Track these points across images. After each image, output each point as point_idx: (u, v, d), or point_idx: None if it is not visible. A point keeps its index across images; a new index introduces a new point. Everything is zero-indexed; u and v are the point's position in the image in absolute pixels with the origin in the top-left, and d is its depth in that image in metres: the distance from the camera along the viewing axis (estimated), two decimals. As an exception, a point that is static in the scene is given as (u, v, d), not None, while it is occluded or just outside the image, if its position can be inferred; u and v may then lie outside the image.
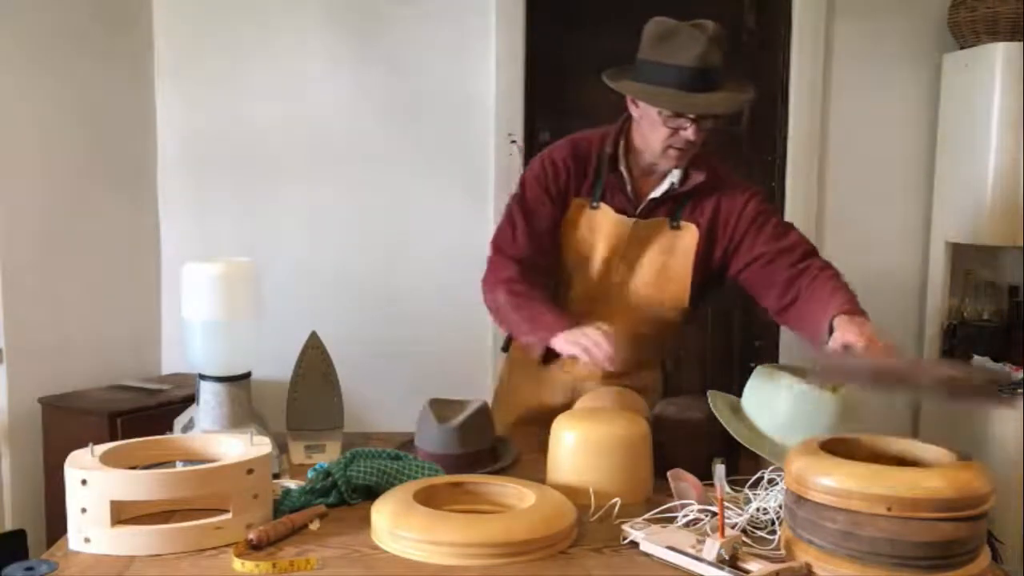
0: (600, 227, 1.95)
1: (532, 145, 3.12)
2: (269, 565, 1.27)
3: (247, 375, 1.71)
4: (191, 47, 3.13)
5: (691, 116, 1.79)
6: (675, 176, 1.92)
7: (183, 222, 3.18)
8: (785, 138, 3.20)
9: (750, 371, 1.77)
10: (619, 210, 1.95)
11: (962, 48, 3.06)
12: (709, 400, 1.72)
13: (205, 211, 3.17)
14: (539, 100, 3.14)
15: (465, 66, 3.08)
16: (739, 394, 1.77)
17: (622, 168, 1.94)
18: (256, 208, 3.16)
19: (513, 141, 3.07)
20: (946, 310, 3.17)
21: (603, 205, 1.95)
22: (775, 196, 3.24)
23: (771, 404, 1.68)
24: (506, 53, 3.04)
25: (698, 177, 1.91)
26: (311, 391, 1.84)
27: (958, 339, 3.10)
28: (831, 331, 1.70)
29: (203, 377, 1.69)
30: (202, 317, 1.67)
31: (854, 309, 1.75)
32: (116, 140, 3.01)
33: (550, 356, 1.91)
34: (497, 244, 1.99)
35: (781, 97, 3.20)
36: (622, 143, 1.94)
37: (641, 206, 1.95)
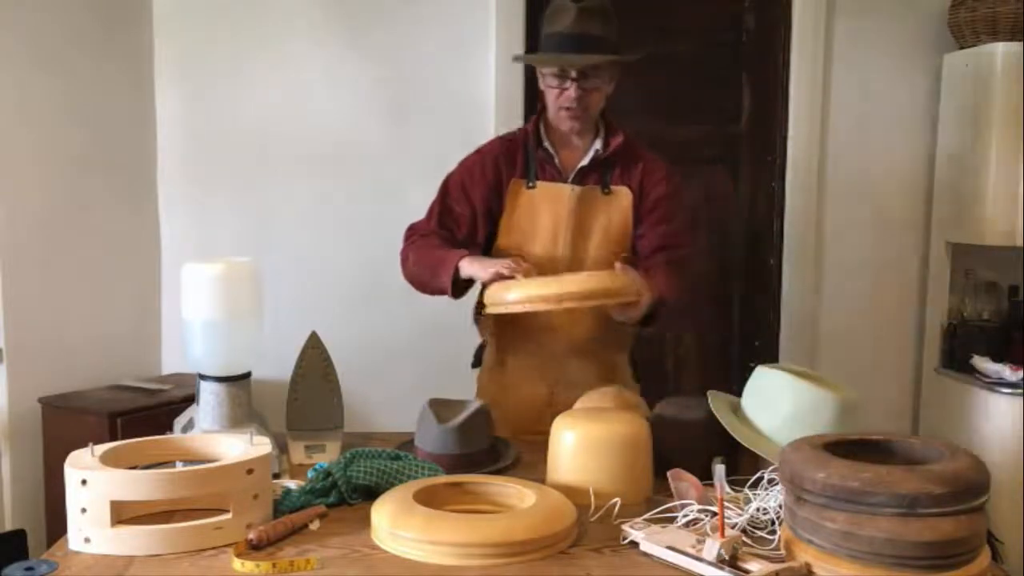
0: (540, 202, 2.07)
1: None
2: (269, 565, 1.27)
3: (247, 375, 1.71)
4: (191, 47, 3.13)
5: (572, 76, 1.97)
6: (598, 144, 2.07)
7: (183, 222, 3.18)
8: (785, 138, 3.20)
9: (750, 371, 1.77)
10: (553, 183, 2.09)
11: (962, 48, 3.06)
12: (709, 400, 1.72)
13: (205, 211, 3.17)
14: (539, 100, 3.14)
15: (465, 66, 3.08)
16: (739, 394, 1.77)
17: (546, 144, 2.08)
18: (256, 208, 3.16)
19: (513, 141, 3.08)
20: (946, 310, 3.17)
21: (539, 183, 2.08)
22: (775, 196, 3.24)
23: (771, 404, 1.68)
24: (506, 52, 3.04)
25: (617, 139, 2.06)
26: (311, 391, 1.83)
27: (958, 339, 3.10)
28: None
29: (203, 377, 1.69)
30: (202, 317, 1.67)
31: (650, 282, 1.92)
32: (116, 140, 3.02)
33: (461, 289, 2.01)
34: (412, 225, 2.15)
35: (781, 97, 3.20)
36: (542, 123, 2.10)
37: (571, 176, 2.07)
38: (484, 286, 1.95)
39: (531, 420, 2.03)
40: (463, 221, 2.10)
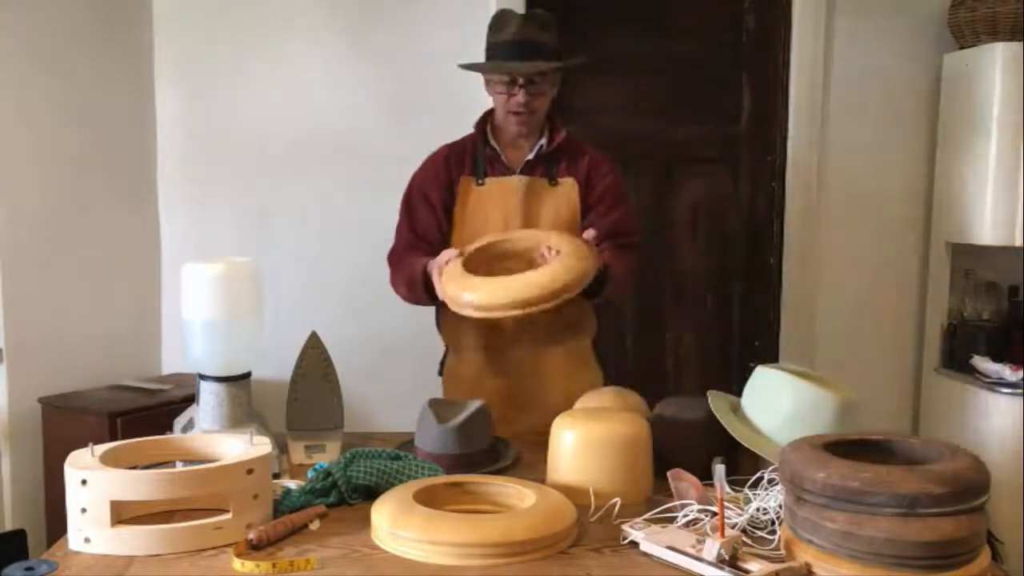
0: (489, 197, 2.14)
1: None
2: (269, 565, 1.27)
3: (247, 375, 1.71)
4: (191, 47, 3.13)
5: (519, 82, 2.06)
6: (543, 140, 2.15)
7: (183, 222, 3.18)
8: (785, 138, 3.20)
9: (750, 371, 1.77)
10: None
11: (962, 48, 3.06)
12: (709, 400, 1.72)
13: (205, 211, 3.17)
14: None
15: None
16: (739, 394, 1.77)
17: (492, 143, 2.17)
18: (256, 208, 3.16)
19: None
20: (946, 310, 3.17)
21: (488, 179, 2.16)
22: (775, 196, 3.24)
23: (771, 404, 1.68)
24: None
25: (560, 135, 2.15)
26: (311, 391, 1.84)
27: (958, 339, 3.10)
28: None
29: (203, 377, 1.69)
30: (202, 317, 1.67)
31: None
32: (116, 140, 3.02)
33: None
34: (389, 253, 2.22)
35: (781, 97, 3.20)
36: (489, 125, 2.19)
37: (518, 171, 2.15)
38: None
39: (495, 415, 2.03)
40: (431, 226, 2.17)
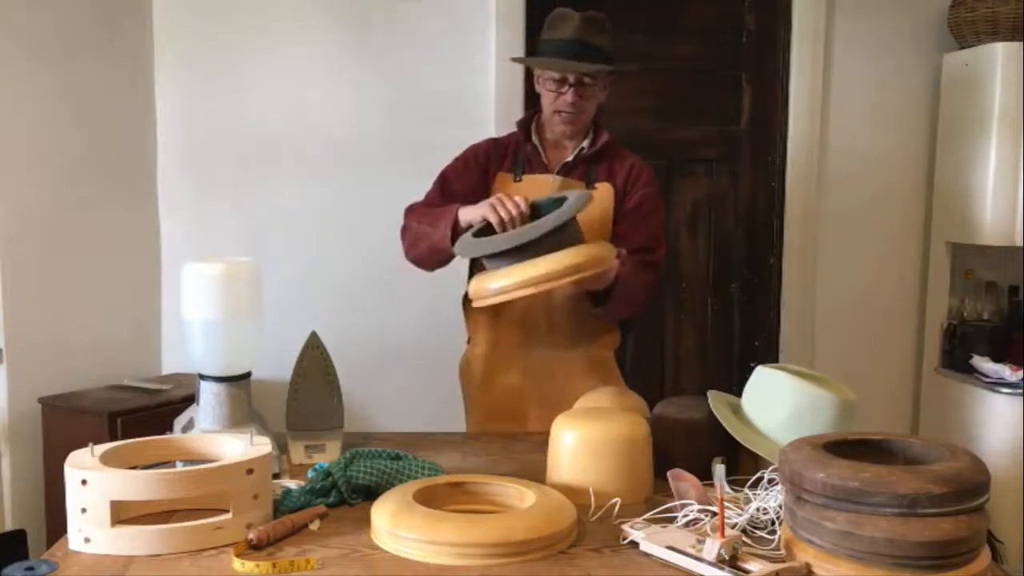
0: (524, 192, 2.08)
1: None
2: (269, 565, 1.27)
3: (247, 375, 1.71)
4: (191, 47, 3.13)
5: (570, 81, 2.04)
6: (585, 141, 2.14)
7: (183, 222, 3.18)
8: (785, 138, 3.21)
9: (750, 371, 1.78)
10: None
11: (962, 48, 3.06)
12: (709, 400, 1.72)
13: (205, 211, 3.17)
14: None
15: (465, 65, 3.08)
16: (739, 394, 1.77)
17: (534, 140, 2.15)
18: (256, 208, 3.16)
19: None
20: (946, 310, 3.17)
21: (525, 176, 2.14)
22: (775, 196, 3.25)
23: (771, 404, 1.68)
24: (506, 53, 3.04)
25: (603, 139, 2.14)
26: (311, 391, 1.83)
27: (958, 339, 3.10)
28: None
29: (203, 377, 1.69)
30: (202, 317, 1.67)
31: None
32: (116, 140, 3.02)
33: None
34: (412, 204, 2.15)
35: (781, 97, 3.20)
36: (534, 121, 2.18)
37: (556, 171, 2.14)
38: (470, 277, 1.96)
39: (507, 412, 2.07)
40: (459, 200, 2.10)
